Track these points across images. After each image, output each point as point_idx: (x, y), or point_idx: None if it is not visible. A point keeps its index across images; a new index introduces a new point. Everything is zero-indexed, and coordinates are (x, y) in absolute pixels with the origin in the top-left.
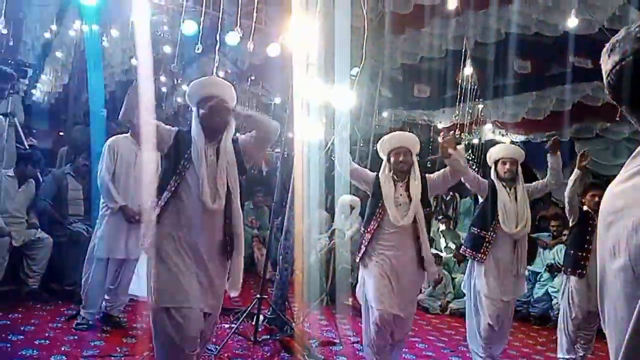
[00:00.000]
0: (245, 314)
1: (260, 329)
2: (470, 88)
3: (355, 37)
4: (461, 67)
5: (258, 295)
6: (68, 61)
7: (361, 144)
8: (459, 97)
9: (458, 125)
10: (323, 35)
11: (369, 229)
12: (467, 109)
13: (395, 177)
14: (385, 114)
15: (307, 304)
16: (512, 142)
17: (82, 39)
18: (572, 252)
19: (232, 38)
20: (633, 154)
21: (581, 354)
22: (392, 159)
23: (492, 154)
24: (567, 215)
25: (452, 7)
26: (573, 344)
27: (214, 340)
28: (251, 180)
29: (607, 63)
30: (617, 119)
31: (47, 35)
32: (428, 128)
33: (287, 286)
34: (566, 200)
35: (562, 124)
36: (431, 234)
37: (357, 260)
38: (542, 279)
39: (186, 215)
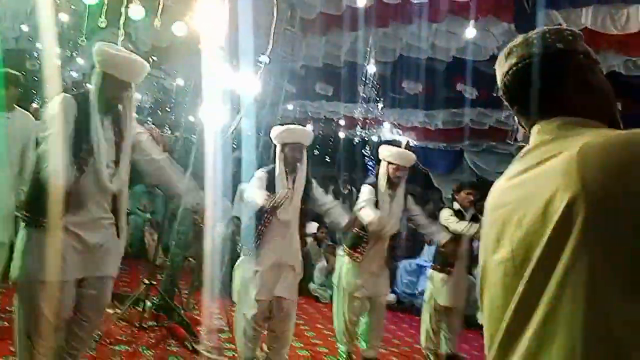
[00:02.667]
0: (131, 300)
1: (147, 316)
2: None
3: (264, 25)
4: (361, 77)
5: (146, 281)
6: None
7: (263, 133)
8: (361, 96)
9: (359, 122)
10: (232, 19)
11: (264, 221)
12: (368, 108)
13: (286, 170)
14: (290, 106)
15: (198, 291)
16: (408, 145)
17: None
18: (442, 250)
19: (136, 12)
20: (520, 153)
21: (445, 347)
22: (287, 152)
23: (386, 154)
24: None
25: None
26: (435, 334)
27: None
28: None
29: (503, 66)
30: (510, 142)
31: None
32: (332, 122)
33: (179, 273)
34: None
35: (452, 138)
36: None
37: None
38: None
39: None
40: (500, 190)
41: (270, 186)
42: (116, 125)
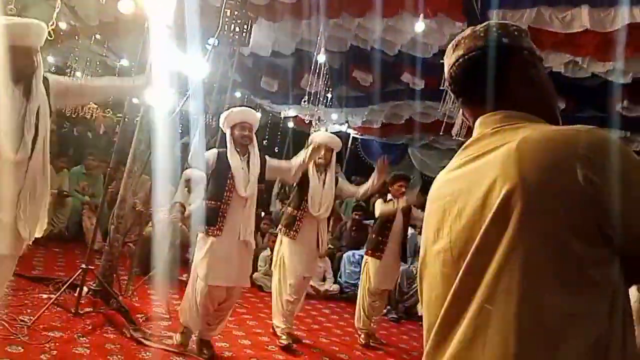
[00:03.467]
0: (67, 285)
1: (83, 301)
2: (319, 88)
3: (213, 8)
4: (310, 68)
5: (83, 265)
6: None
7: (211, 119)
8: (308, 91)
9: (306, 116)
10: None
11: (222, 200)
12: (316, 103)
13: (238, 150)
14: (238, 94)
15: (138, 277)
16: (353, 138)
17: None
18: (374, 236)
19: None
20: (463, 146)
21: (375, 326)
22: (236, 133)
23: (314, 140)
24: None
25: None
26: (368, 317)
27: (29, 311)
28: (85, 142)
29: (451, 57)
30: (441, 134)
31: None
32: (279, 114)
33: (117, 258)
34: (361, 196)
35: (395, 133)
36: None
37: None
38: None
39: None
40: (441, 182)
41: (223, 166)
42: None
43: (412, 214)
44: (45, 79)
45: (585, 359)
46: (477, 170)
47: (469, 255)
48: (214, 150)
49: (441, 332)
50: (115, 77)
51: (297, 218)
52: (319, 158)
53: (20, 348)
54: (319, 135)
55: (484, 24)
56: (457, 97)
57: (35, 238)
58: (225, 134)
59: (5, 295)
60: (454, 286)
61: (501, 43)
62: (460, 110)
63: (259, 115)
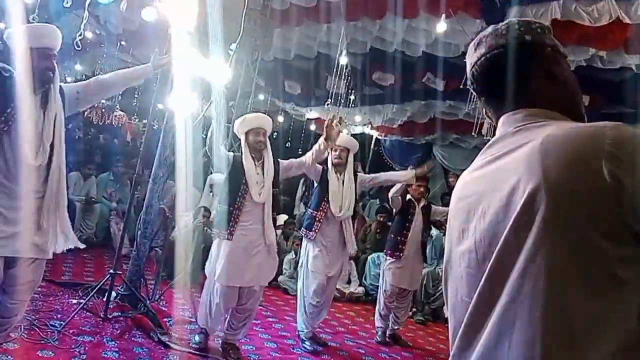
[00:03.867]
0: (96, 290)
1: (111, 306)
2: (341, 90)
3: (235, 13)
4: (333, 70)
5: (111, 270)
6: None
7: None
8: (330, 92)
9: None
10: (202, 6)
11: (235, 205)
12: (338, 104)
13: (253, 156)
14: (261, 97)
15: (165, 281)
16: (376, 139)
17: None
18: (392, 236)
19: None
20: (487, 145)
21: (396, 327)
22: (250, 139)
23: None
24: (391, 206)
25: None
26: (387, 315)
27: (59, 316)
28: (112, 149)
29: (472, 56)
30: (474, 134)
31: None
32: (302, 115)
33: (144, 262)
34: (391, 197)
35: (417, 132)
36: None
37: (220, 235)
38: None
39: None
40: (465, 182)
41: (238, 172)
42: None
43: (433, 211)
44: (60, 89)
45: None
46: (501, 170)
47: (493, 256)
48: (230, 154)
49: (467, 334)
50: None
51: (317, 219)
52: (335, 158)
53: (51, 353)
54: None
55: (506, 21)
56: (479, 96)
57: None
58: (239, 139)
59: (36, 301)
60: (479, 287)
61: (523, 40)
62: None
63: (271, 120)
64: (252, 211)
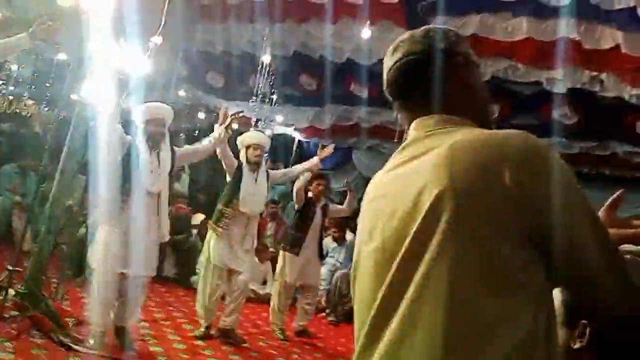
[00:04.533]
0: None
1: (8, 304)
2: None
3: (157, 4)
4: (258, 68)
5: (10, 267)
6: None
7: None
8: (255, 90)
9: (253, 115)
10: None
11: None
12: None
13: (149, 145)
14: (182, 93)
15: (70, 280)
16: (299, 141)
17: None
18: (293, 232)
19: None
20: (399, 148)
21: (303, 322)
22: (148, 128)
23: (242, 139)
24: (295, 201)
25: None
26: (281, 311)
27: None
28: (18, 140)
29: (389, 60)
30: (395, 140)
31: None
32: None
33: (47, 260)
34: (295, 191)
35: (342, 136)
36: None
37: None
38: None
39: None
40: (376, 183)
41: (133, 159)
42: None
43: (330, 209)
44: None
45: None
46: (411, 173)
47: (399, 256)
48: (127, 137)
49: (371, 333)
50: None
51: (226, 215)
52: (255, 157)
53: None
54: (249, 135)
55: (423, 28)
56: (393, 100)
57: None
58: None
59: None
60: (383, 287)
61: (438, 47)
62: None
63: (171, 111)
64: (141, 201)
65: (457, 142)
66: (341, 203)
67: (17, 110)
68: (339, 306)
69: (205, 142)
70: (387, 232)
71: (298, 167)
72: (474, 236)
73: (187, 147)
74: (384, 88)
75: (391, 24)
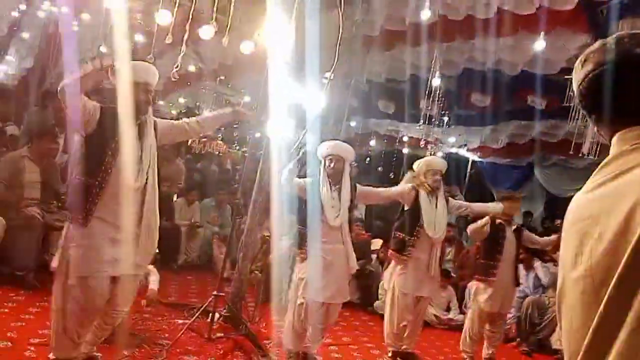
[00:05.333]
0: (200, 311)
1: (214, 327)
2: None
3: (329, 42)
4: (425, 90)
5: (214, 293)
6: (35, 43)
7: None
8: (424, 113)
9: (422, 140)
10: (298, 36)
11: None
12: (431, 126)
13: (329, 181)
14: (353, 123)
15: (264, 303)
16: (473, 161)
17: (51, 20)
18: (483, 261)
19: (206, 32)
20: (601, 164)
21: (490, 351)
22: (328, 165)
23: (422, 165)
24: (470, 239)
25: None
26: (474, 342)
27: (166, 335)
28: (214, 177)
29: (579, 73)
30: (571, 152)
31: (15, 14)
32: (394, 139)
33: (245, 285)
34: (469, 233)
35: (518, 153)
36: None
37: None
38: None
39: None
40: (578, 204)
41: (315, 195)
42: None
43: (526, 238)
44: (154, 122)
45: None
46: (617, 190)
47: (613, 281)
48: (304, 180)
49: None
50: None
51: (410, 243)
52: (434, 182)
53: None
54: (427, 160)
55: (614, 35)
56: (589, 115)
57: (171, 266)
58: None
59: (147, 320)
60: (598, 315)
61: (633, 53)
62: (591, 127)
63: (350, 147)
64: (327, 233)
65: None
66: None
67: (210, 150)
68: (531, 335)
69: (393, 189)
70: (595, 256)
71: (477, 206)
72: None
73: (370, 188)
74: (577, 102)
75: (569, 32)
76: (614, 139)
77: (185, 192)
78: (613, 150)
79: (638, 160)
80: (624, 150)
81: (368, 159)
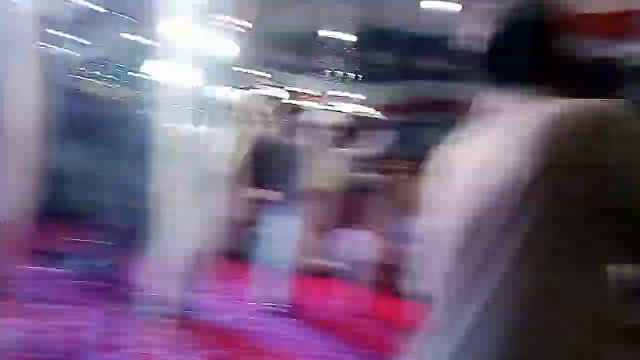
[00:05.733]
0: None
1: None
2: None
3: None
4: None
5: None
6: None
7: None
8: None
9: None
10: None
11: None
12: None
13: None
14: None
15: None
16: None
17: None
18: None
19: None
20: (487, 120)
21: None
22: None
23: None
24: None
25: None
26: None
27: None
28: None
29: (476, 29)
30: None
31: None
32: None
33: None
34: None
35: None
36: None
37: None
38: None
39: None
40: (461, 156)
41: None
42: None
43: None
44: None
45: None
46: (503, 146)
47: (487, 232)
48: None
49: (455, 308)
50: None
51: None
52: None
53: None
54: None
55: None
56: (485, 71)
57: None
58: None
59: None
60: (470, 263)
61: (535, 17)
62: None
63: None
64: None
65: (556, 114)
66: None
67: None
68: None
69: None
70: (474, 208)
71: None
72: (569, 218)
73: None
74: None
75: None
76: (505, 97)
77: None
78: (503, 108)
79: (524, 118)
80: (511, 108)
81: None
